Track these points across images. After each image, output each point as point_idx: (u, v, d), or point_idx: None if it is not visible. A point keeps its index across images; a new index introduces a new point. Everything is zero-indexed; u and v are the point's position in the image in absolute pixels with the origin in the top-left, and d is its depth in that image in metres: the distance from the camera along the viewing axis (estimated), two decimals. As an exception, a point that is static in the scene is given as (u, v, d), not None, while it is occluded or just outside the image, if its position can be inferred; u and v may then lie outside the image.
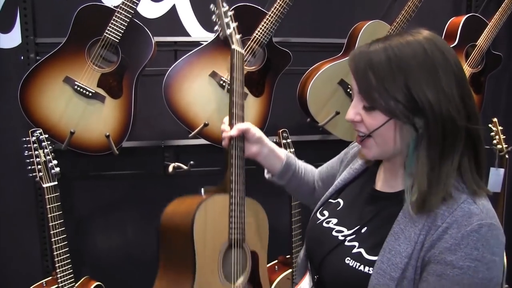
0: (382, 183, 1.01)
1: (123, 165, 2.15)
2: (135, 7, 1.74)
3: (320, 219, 1.07)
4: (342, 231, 0.99)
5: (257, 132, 1.28)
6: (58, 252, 1.66)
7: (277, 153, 1.29)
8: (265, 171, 1.33)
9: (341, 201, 1.07)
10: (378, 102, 0.88)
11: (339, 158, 1.25)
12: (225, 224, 1.34)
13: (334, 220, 1.03)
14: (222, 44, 1.84)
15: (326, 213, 1.07)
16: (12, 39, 2.06)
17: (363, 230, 0.96)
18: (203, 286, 1.35)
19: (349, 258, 0.93)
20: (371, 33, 2.04)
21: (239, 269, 1.39)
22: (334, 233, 1.00)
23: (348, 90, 2.06)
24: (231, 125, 1.29)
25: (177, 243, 1.39)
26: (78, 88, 1.75)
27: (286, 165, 1.28)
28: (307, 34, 2.27)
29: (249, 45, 1.88)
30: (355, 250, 0.93)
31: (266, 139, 1.29)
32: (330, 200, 1.11)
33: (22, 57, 1.97)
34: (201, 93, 1.84)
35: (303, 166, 1.33)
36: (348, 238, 0.97)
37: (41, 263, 2.08)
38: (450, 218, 0.83)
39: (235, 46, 1.34)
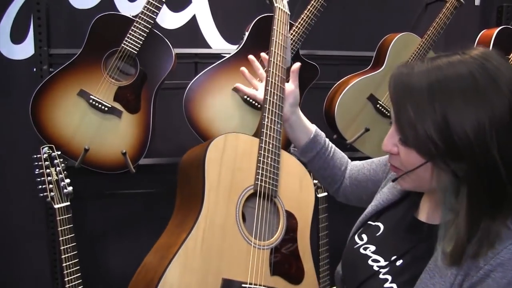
0: (425, 213, 0.92)
1: (140, 184, 2.07)
2: (154, 17, 1.66)
3: (358, 243, 0.99)
4: (378, 261, 0.92)
5: (298, 97, 1.25)
6: (70, 278, 1.56)
7: (306, 125, 1.23)
8: (292, 145, 1.28)
9: (381, 226, 0.99)
10: (413, 141, 0.77)
11: (385, 165, 1.12)
12: (250, 166, 1.22)
13: (372, 248, 0.95)
14: (245, 57, 1.75)
15: (364, 237, 0.99)
16: (24, 50, 2.00)
17: (398, 263, 0.88)
18: (213, 223, 1.17)
19: None
20: (402, 45, 1.95)
21: (267, 226, 1.24)
22: (370, 262, 0.93)
23: (378, 106, 1.95)
24: (268, 65, 1.29)
25: (190, 175, 1.26)
26: (94, 102, 1.66)
27: (311, 141, 1.21)
28: (334, 47, 2.19)
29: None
30: (387, 285, 0.86)
31: (299, 110, 1.26)
32: (370, 222, 1.02)
33: (34, 69, 1.89)
34: (223, 109, 1.75)
35: (332, 150, 1.24)
36: (383, 270, 0.89)
37: (51, 287, 1.99)
38: (494, 260, 0.72)
39: (278, 5, 1.32)
